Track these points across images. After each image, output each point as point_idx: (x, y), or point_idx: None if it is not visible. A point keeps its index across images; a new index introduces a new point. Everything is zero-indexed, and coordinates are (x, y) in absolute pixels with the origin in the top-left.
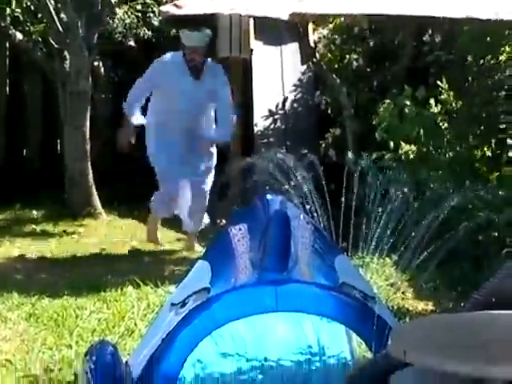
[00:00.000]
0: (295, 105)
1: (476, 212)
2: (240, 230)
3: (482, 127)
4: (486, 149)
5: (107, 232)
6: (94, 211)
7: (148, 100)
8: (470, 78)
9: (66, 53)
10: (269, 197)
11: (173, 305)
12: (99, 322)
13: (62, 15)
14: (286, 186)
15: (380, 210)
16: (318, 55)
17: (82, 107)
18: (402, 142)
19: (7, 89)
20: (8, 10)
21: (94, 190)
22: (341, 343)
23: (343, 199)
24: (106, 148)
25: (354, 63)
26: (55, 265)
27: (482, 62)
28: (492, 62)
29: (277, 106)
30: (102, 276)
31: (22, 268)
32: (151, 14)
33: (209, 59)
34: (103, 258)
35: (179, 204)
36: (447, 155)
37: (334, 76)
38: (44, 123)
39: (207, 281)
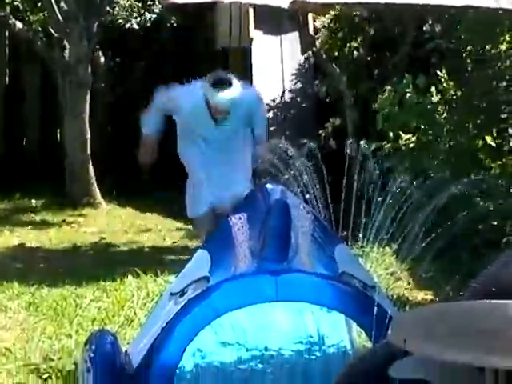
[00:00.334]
0: (294, 94)
1: (476, 201)
2: (240, 219)
3: (482, 117)
4: (486, 138)
5: (107, 221)
6: (93, 201)
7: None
8: (469, 68)
9: (65, 42)
10: (269, 186)
11: (172, 294)
12: (99, 311)
13: (62, 4)
14: (286, 176)
15: (380, 199)
16: (317, 44)
17: (82, 96)
18: (401, 132)
19: (7, 78)
20: None
21: (94, 180)
22: (341, 333)
23: (343, 188)
24: (106, 137)
25: (355, 52)
26: (55, 254)
27: (481, 51)
28: (492, 51)
29: (276, 96)
30: (102, 265)
31: (21, 257)
32: (151, 2)
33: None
34: (103, 247)
35: None
36: (447, 145)
37: (334, 65)
38: (43, 112)
39: (206, 270)
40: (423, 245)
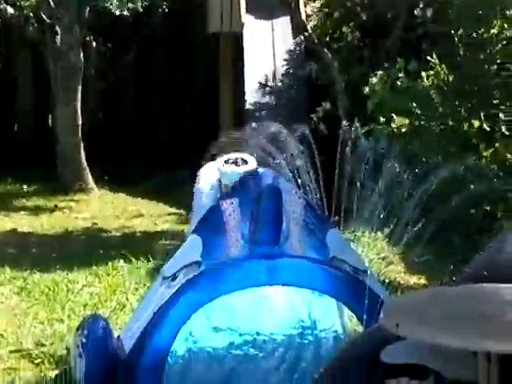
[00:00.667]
0: (286, 79)
1: (468, 186)
2: (231, 203)
3: (474, 101)
4: (477, 123)
5: (99, 207)
6: (85, 186)
7: None
8: (461, 52)
9: (57, 28)
10: (260, 170)
11: (164, 278)
12: (91, 296)
13: None
14: (278, 160)
15: (372, 183)
16: (309, 29)
17: (74, 82)
18: (393, 115)
19: None
20: None
21: (86, 165)
22: (332, 317)
23: (335, 173)
24: (98, 123)
25: (346, 37)
26: (47, 239)
27: (473, 35)
28: (484, 35)
29: (267, 80)
30: (94, 250)
31: (13, 242)
32: None
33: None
34: (95, 232)
35: None
36: (439, 128)
37: (326, 50)
38: (35, 98)
39: (198, 254)
40: (415, 229)
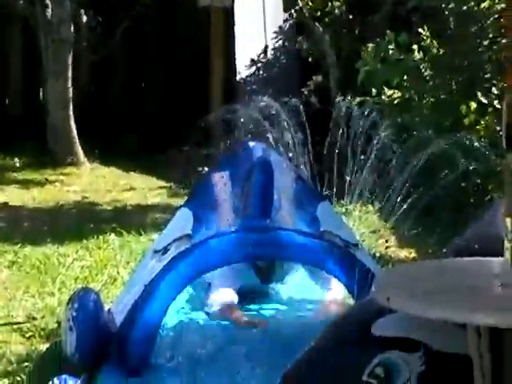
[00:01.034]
0: (277, 53)
1: (459, 159)
2: (222, 177)
3: (465, 75)
4: (469, 96)
5: (90, 180)
6: (76, 160)
7: None
8: (452, 26)
9: (47, 1)
10: (251, 144)
11: (155, 252)
12: (82, 270)
13: None
14: (269, 134)
15: (363, 156)
16: (300, 2)
17: (64, 55)
18: (384, 87)
19: None
20: None
21: (77, 139)
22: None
23: (326, 146)
24: (89, 97)
25: (337, 11)
26: (37, 213)
27: (464, 8)
28: (475, 8)
29: (259, 55)
30: (85, 224)
31: (4, 216)
32: None
33: None
34: (86, 206)
35: None
36: (430, 101)
37: (317, 23)
38: (26, 72)
39: (189, 228)
40: (406, 203)
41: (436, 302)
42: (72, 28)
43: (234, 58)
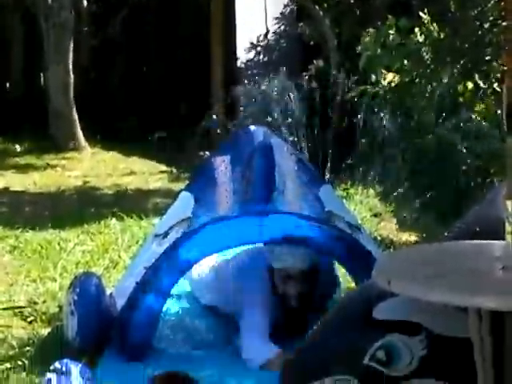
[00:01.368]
0: (278, 37)
1: (460, 142)
2: (223, 160)
3: (467, 58)
4: (470, 79)
5: (91, 165)
6: (77, 144)
7: None
8: (453, 9)
9: None
10: (252, 128)
11: (156, 236)
12: (83, 255)
13: None
14: (270, 118)
15: (364, 140)
16: None
17: (65, 40)
18: (385, 71)
19: None
20: None
21: (78, 123)
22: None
23: (328, 130)
24: (90, 82)
25: None
26: (39, 198)
27: None
28: None
29: (259, 39)
30: (86, 209)
31: (5, 201)
32: None
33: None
34: (87, 190)
35: None
36: (431, 85)
37: (317, 7)
38: (27, 58)
39: (189, 211)
40: (408, 186)
41: (437, 285)
42: (72, 13)
43: (235, 43)
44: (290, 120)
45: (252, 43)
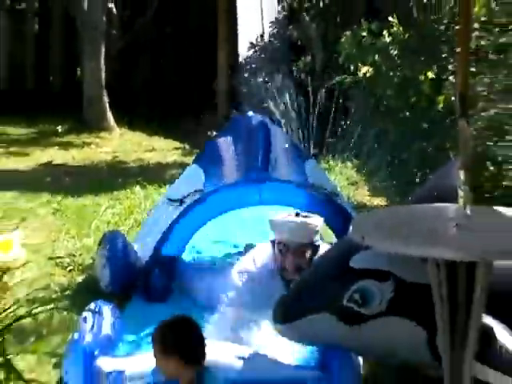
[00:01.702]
0: (272, 38)
1: (422, 124)
2: (225, 141)
3: (426, 55)
4: (430, 73)
5: (119, 143)
6: (108, 126)
7: None
8: (415, 15)
9: None
10: (250, 113)
11: (170, 200)
12: (113, 216)
13: None
14: (265, 104)
15: (343, 122)
16: None
17: (98, 41)
18: (360, 65)
19: (36, 26)
20: None
21: (108, 109)
22: None
23: (313, 114)
24: (118, 75)
25: (321, 3)
26: (76, 169)
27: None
28: (433, 0)
29: (257, 39)
30: (115, 179)
31: (49, 172)
32: None
33: None
34: (116, 163)
35: None
36: (398, 77)
37: (305, 14)
38: (67, 55)
39: (201, 183)
40: (379, 160)
41: (402, 240)
42: (104, 18)
43: (237, 43)
44: (282, 105)
45: (251, 43)
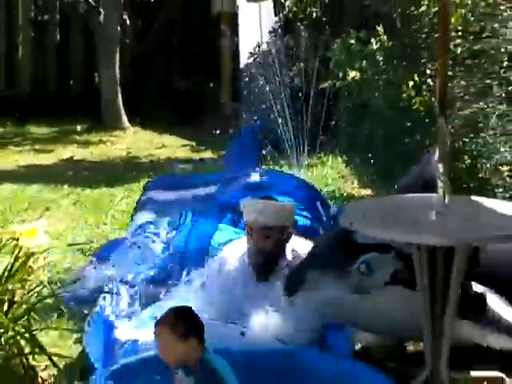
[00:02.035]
0: (269, 47)
1: (405, 123)
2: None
3: (408, 61)
4: (411, 77)
5: (133, 140)
6: (122, 125)
7: None
8: (399, 25)
9: (100, 9)
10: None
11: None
12: (127, 206)
13: None
14: (264, 106)
15: (334, 122)
16: (287, 9)
17: (113, 49)
18: (349, 70)
19: (58, 36)
20: None
21: (123, 110)
22: None
23: (308, 114)
24: (131, 79)
25: (314, 14)
26: (94, 164)
27: (407, 12)
28: (415, 12)
29: (255, 48)
30: (129, 172)
31: (70, 167)
32: None
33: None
34: (129, 159)
35: None
36: (382, 81)
37: (299, 24)
38: (86, 61)
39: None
40: (367, 155)
41: (387, 227)
42: (119, 29)
43: (238, 51)
44: (278, 107)
45: (250, 52)
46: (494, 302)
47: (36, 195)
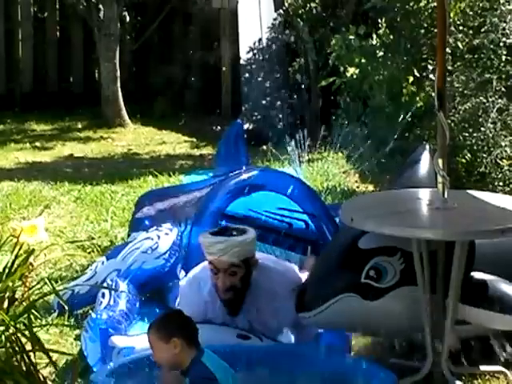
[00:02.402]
0: (270, 42)
1: (405, 117)
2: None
3: (408, 56)
4: (411, 71)
5: (133, 137)
6: (122, 122)
7: None
8: (398, 20)
9: (100, 5)
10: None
11: None
12: (128, 203)
13: None
14: (264, 101)
15: (334, 117)
16: (286, 4)
17: (113, 46)
18: (348, 66)
19: (58, 33)
20: None
21: (123, 106)
22: None
23: (308, 111)
24: (131, 75)
25: (314, 10)
26: (95, 161)
27: (407, 7)
28: (414, 7)
29: (255, 44)
30: (129, 169)
31: (70, 164)
32: None
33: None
34: (130, 155)
35: None
36: (382, 76)
37: (299, 19)
38: (86, 58)
39: None
40: (367, 151)
41: (386, 221)
42: (118, 25)
43: (238, 46)
44: (279, 103)
45: (250, 47)
46: (497, 282)
47: (36, 192)
